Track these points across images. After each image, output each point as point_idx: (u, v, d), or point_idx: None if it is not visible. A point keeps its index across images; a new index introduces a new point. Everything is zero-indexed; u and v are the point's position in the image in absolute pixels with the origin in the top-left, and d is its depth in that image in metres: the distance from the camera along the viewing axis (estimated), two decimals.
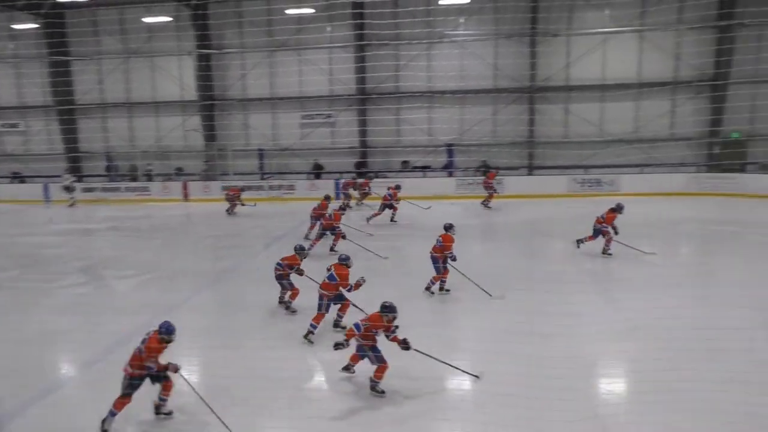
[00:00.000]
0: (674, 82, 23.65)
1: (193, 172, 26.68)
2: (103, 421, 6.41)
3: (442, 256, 10.55)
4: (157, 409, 6.75)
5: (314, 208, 15.56)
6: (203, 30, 25.60)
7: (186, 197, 24.82)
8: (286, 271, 9.92)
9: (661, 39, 23.45)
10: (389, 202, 17.85)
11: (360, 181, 21.39)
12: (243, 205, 19.83)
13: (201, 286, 12.27)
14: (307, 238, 15.28)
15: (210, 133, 26.78)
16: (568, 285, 11.22)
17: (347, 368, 7.62)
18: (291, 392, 7.40)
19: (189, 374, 6.98)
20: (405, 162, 25.93)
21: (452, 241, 10.63)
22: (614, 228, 13.00)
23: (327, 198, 15.90)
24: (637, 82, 23.68)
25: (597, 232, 13.17)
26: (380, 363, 7.18)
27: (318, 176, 25.54)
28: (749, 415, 6.55)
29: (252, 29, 26.10)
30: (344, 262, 9.13)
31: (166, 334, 6.57)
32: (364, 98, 25.68)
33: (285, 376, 7.72)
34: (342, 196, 20.56)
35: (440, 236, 10.72)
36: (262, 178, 25.57)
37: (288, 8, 24.92)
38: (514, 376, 7.53)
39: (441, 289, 10.77)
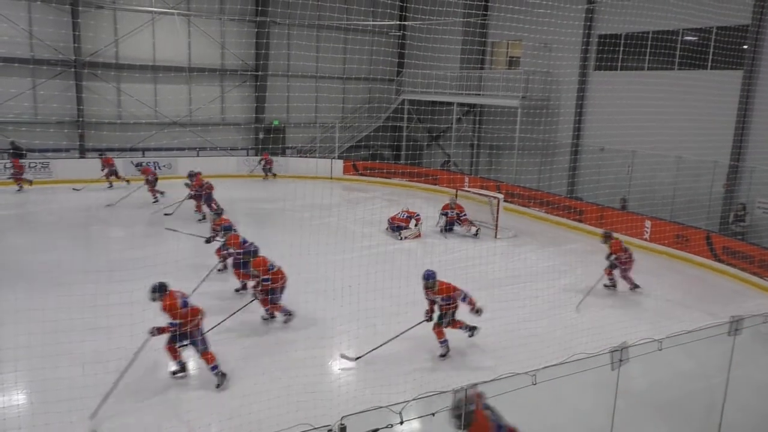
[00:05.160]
0: (222, 70, 25.21)
1: None
2: None
3: None
4: None
5: None
6: None
7: None
8: None
9: (207, 26, 24.60)
10: None
11: None
12: None
13: None
14: None
15: None
16: (131, 272, 10.98)
17: None
18: None
19: None
20: None
21: None
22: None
23: None
24: (187, 66, 24.35)
25: None
26: None
27: None
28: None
29: None
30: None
31: None
32: None
33: None
34: None
35: None
36: None
37: None
38: (76, 377, 7.09)
39: None
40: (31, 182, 19.64)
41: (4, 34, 20.85)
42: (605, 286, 12.55)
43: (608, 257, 12.23)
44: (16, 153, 20.80)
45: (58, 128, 22.26)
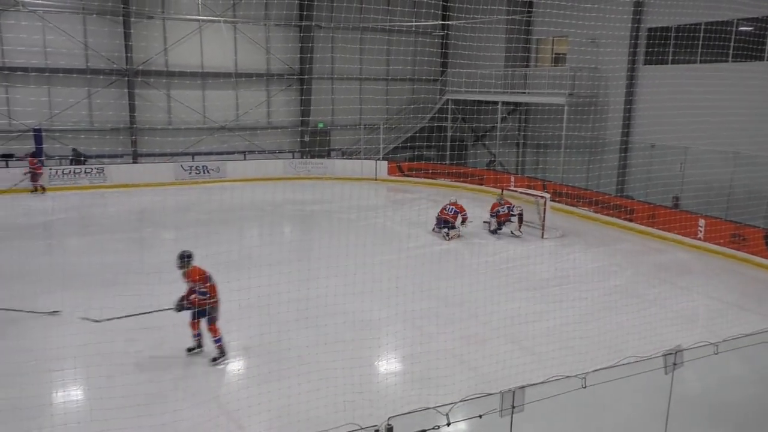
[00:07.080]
0: (267, 74, 25.65)
1: None
2: None
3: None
4: None
5: None
6: None
7: None
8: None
9: (252, 33, 25.06)
10: None
11: None
12: None
13: None
14: None
15: None
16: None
17: None
18: None
19: None
20: None
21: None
22: None
23: None
24: (234, 71, 24.87)
25: None
26: None
27: None
28: (338, 370, 7.81)
29: None
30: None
31: None
32: None
33: None
34: None
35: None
36: None
37: None
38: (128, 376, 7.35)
39: None
40: (44, 189, 19.99)
41: (62, 47, 21.82)
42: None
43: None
44: (76, 159, 21.77)
45: (113, 135, 23.10)
